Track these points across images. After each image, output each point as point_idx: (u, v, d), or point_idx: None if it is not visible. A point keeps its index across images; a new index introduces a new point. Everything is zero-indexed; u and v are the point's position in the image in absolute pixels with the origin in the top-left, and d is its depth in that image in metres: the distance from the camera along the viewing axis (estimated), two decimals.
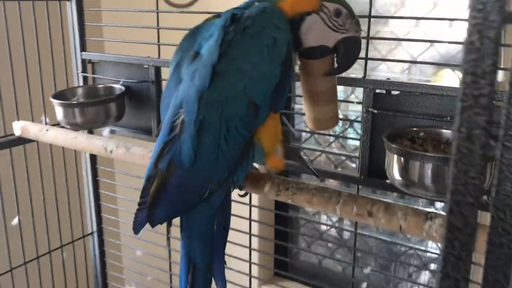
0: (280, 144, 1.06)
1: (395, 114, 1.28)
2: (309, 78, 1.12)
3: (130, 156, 1.40)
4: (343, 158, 2.87)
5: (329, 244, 3.05)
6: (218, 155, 0.93)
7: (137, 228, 1.01)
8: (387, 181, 1.29)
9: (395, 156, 1.11)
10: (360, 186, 1.44)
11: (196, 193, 0.97)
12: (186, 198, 0.97)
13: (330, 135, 2.83)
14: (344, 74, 1.15)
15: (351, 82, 1.33)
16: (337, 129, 2.87)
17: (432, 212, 0.98)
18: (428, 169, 1.06)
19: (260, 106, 0.94)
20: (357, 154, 1.37)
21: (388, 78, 1.30)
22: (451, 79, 2.47)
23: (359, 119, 1.34)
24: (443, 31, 2.44)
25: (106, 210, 2.05)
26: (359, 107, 1.44)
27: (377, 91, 1.30)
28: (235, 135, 0.93)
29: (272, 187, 1.15)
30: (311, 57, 1.06)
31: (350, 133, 2.89)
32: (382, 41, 2.53)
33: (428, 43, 2.48)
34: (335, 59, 1.08)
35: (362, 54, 1.35)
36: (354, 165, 2.88)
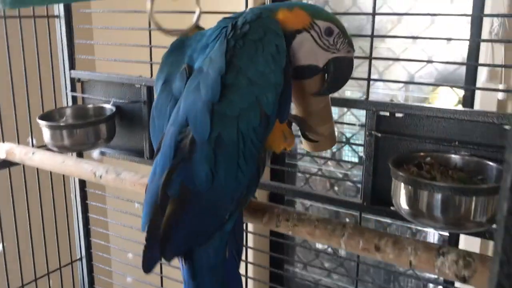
0: (286, 133, 0.98)
1: (399, 138, 1.22)
2: (300, 98, 1.07)
3: (121, 182, 1.33)
4: (340, 176, 2.82)
5: (326, 264, 2.98)
6: (238, 172, 0.86)
7: (148, 266, 0.87)
8: (392, 208, 1.23)
9: (402, 184, 1.05)
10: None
11: (216, 217, 0.88)
12: (206, 224, 0.88)
13: (328, 158, 2.78)
14: (339, 95, 1.08)
15: (353, 104, 1.27)
16: (334, 147, 2.81)
17: (445, 247, 0.91)
18: (438, 199, 1.00)
19: (270, 116, 0.88)
20: (355, 172, 1.30)
21: (392, 100, 1.25)
22: (449, 96, 2.43)
23: (358, 140, 1.28)
24: (441, 47, 2.41)
25: (95, 234, 1.96)
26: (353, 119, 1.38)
27: (381, 113, 1.24)
28: (251, 149, 0.87)
29: (271, 218, 1.08)
30: (300, 77, 1.00)
31: (345, 149, 2.84)
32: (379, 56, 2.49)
33: (426, 59, 2.44)
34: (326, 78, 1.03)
35: (365, 74, 1.30)
36: (350, 183, 2.83)
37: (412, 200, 1.04)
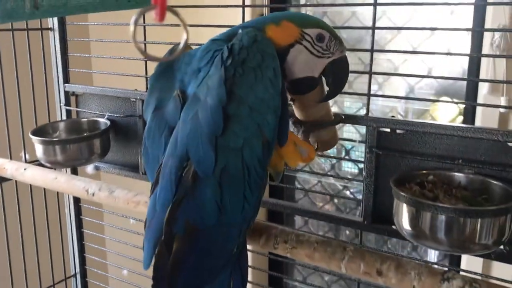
0: (300, 144, 0.97)
1: (401, 155, 1.18)
2: (300, 109, 1.07)
3: (114, 199, 1.29)
4: (340, 187, 2.78)
5: (326, 278, 2.94)
6: (244, 204, 0.83)
7: None
8: (394, 226, 1.19)
9: (404, 205, 1.01)
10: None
11: (225, 252, 0.85)
12: (215, 260, 0.84)
13: (325, 174, 2.74)
14: (338, 107, 1.05)
15: (353, 120, 1.23)
16: (334, 160, 2.78)
17: (450, 271, 0.87)
18: (441, 221, 0.96)
19: (271, 142, 0.85)
20: (355, 182, 1.27)
21: (393, 116, 1.22)
22: (449, 107, 2.40)
23: (357, 150, 1.24)
24: (441, 59, 2.38)
25: (90, 250, 1.92)
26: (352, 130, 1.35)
27: (381, 129, 1.20)
28: (256, 178, 0.84)
29: (268, 239, 1.04)
30: (297, 91, 1.01)
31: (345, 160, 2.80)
32: (378, 68, 2.47)
33: (426, 71, 2.41)
34: (324, 85, 1.02)
35: (364, 85, 1.26)
36: (348, 192, 2.79)
37: (415, 221, 1.00)
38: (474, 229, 0.95)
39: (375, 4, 1.18)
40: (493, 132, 1.07)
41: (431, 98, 2.44)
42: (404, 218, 1.03)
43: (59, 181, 1.41)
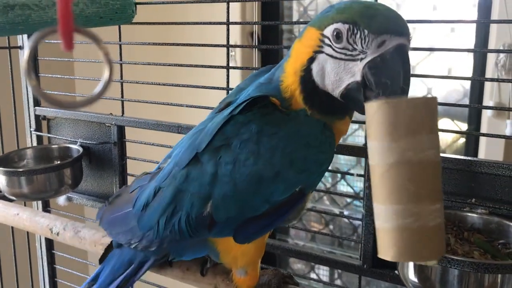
0: (251, 268, 0.88)
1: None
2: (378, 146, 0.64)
3: (79, 241, 1.14)
4: (336, 212, 2.64)
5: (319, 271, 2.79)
6: (155, 226, 0.87)
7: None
8: (397, 272, 1.04)
9: None
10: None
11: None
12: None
13: (325, 191, 2.60)
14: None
15: (351, 151, 1.09)
16: (328, 184, 2.64)
17: None
18: (454, 275, 0.82)
19: (216, 222, 0.81)
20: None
21: None
22: (449, 126, 2.27)
23: (354, 169, 1.10)
24: (440, 80, 2.26)
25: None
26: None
27: None
28: (173, 222, 0.84)
29: None
30: (346, 110, 0.79)
31: (343, 183, 2.67)
32: None
33: (426, 90, 2.29)
34: None
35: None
36: (345, 220, 2.65)
37: (423, 273, 0.86)
38: (493, 286, 0.81)
39: None
40: (510, 168, 0.93)
41: None
42: (410, 269, 0.88)
43: (21, 217, 1.26)
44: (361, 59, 0.70)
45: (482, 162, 0.96)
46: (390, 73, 0.68)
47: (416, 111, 0.61)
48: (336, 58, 0.72)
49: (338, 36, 0.71)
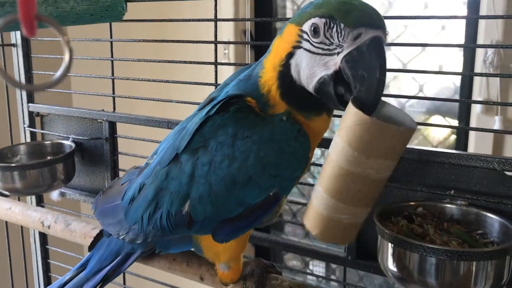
0: (234, 262, 0.90)
1: (386, 184, 1.06)
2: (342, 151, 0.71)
3: (70, 233, 1.17)
4: None
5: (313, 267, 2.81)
6: (139, 220, 0.89)
7: None
8: None
9: (389, 244, 0.89)
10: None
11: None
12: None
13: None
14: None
15: None
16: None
17: None
18: (431, 263, 0.84)
19: (194, 221, 0.83)
20: None
21: None
22: (441, 122, 2.29)
23: None
24: (432, 75, 2.28)
25: None
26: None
27: None
28: (154, 217, 0.87)
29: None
30: (319, 107, 0.79)
31: None
32: None
33: (417, 87, 2.32)
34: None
35: None
36: None
37: (401, 262, 0.88)
38: (468, 273, 0.83)
39: None
40: (488, 160, 0.95)
41: (423, 116, 2.34)
42: (389, 259, 0.91)
43: (14, 211, 1.28)
44: (338, 53, 0.71)
45: (461, 154, 0.99)
46: (366, 65, 0.69)
47: (395, 139, 0.68)
48: (313, 53, 0.73)
49: (315, 30, 0.72)
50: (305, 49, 0.74)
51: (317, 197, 0.75)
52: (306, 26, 0.74)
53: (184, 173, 0.81)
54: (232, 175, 0.76)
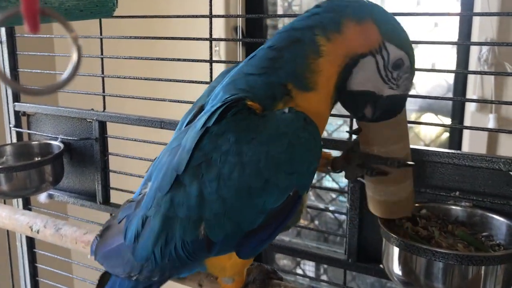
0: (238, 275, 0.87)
1: None
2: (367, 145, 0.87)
3: (60, 238, 1.12)
4: (321, 207, 2.64)
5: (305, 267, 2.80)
6: (151, 255, 0.82)
7: None
8: (382, 266, 1.04)
9: (395, 248, 0.87)
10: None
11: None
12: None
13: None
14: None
15: (335, 145, 1.09)
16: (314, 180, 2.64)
17: None
18: (439, 267, 0.81)
19: (214, 243, 0.77)
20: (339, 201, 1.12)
21: None
22: (433, 120, 2.28)
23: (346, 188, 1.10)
24: (423, 74, 2.27)
25: None
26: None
27: None
28: (170, 248, 0.80)
29: None
30: (350, 107, 0.82)
31: (328, 179, 2.67)
32: None
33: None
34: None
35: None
36: (331, 215, 2.65)
37: (407, 267, 0.85)
38: (477, 277, 0.81)
39: None
40: (494, 160, 0.93)
41: (415, 114, 2.32)
42: (394, 262, 0.88)
43: (0, 215, 1.23)
44: (391, 88, 0.78)
45: (465, 155, 0.97)
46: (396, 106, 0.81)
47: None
48: (379, 71, 0.76)
49: (398, 65, 0.76)
50: (377, 63, 0.75)
51: (368, 187, 0.91)
52: (393, 52, 0.76)
53: (191, 196, 0.74)
54: (246, 183, 0.70)
